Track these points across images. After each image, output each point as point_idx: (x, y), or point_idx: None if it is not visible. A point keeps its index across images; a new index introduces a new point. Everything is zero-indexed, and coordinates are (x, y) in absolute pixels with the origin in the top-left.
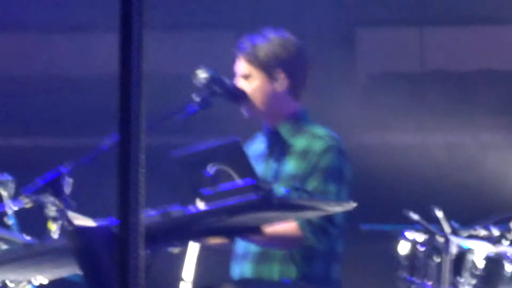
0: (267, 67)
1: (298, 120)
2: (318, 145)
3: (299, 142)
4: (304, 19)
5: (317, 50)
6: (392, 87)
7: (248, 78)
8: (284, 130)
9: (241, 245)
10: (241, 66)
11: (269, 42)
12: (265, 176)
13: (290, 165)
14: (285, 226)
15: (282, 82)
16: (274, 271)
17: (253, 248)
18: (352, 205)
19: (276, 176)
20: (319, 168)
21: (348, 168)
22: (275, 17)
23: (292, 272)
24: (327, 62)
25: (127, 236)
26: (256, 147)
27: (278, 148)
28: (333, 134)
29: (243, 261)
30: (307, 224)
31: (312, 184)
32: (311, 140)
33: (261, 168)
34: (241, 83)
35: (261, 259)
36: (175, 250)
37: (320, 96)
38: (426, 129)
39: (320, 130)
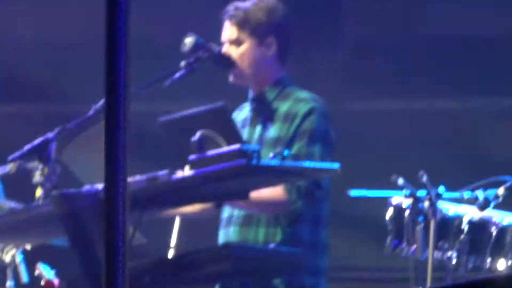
0: (257, 32)
1: (284, 86)
2: (301, 108)
3: (283, 106)
4: None
5: (304, 17)
6: (379, 54)
7: (236, 43)
8: (270, 95)
9: (226, 210)
10: (230, 30)
11: (258, 7)
12: (250, 141)
13: (275, 129)
14: (271, 190)
15: (271, 47)
16: (259, 234)
17: (237, 212)
18: (337, 168)
19: (261, 141)
20: (303, 130)
21: (332, 131)
22: None
23: (277, 235)
24: (314, 29)
25: (113, 202)
26: (242, 113)
27: (263, 113)
28: (317, 97)
29: (228, 225)
30: (293, 188)
31: (297, 147)
32: (294, 103)
33: (246, 133)
34: (228, 49)
35: (246, 222)
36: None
37: (307, 63)
38: (413, 95)
39: (303, 94)
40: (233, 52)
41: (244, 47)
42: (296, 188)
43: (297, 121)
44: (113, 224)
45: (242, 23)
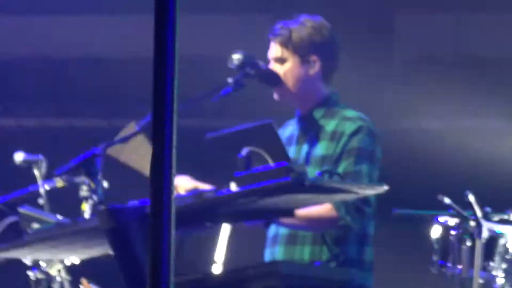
0: (300, 50)
1: (330, 104)
2: (348, 126)
3: (330, 124)
4: (341, 4)
5: (354, 35)
6: (428, 73)
7: (281, 62)
8: (317, 114)
9: (272, 228)
10: (275, 49)
11: (303, 26)
12: (297, 159)
13: (321, 147)
14: (319, 207)
15: (314, 66)
16: (305, 253)
17: (283, 230)
18: (384, 187)
19: (308, 159)
20: (350, 149)
21: (378, 149)
22: (311, 2)
23: (324, 253)
24: (364, 47)
25: (159, 217)
26: (288, 131)
27: (310, 131)
28: (363, 115)
29: (274, 243)
30: (342, 204)
31: (343, 165)
32: (341, 121)
33: (292, 151)
34: (274, 67)
35: (291, 241)
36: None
37: (355, 81)
38: (461, 114)
39: (350, 112)
40: (278, 70)
41: (288, 65)
42: (345, 204)
43: (344, 140)
44: (159, 239)
45: (286, 41)
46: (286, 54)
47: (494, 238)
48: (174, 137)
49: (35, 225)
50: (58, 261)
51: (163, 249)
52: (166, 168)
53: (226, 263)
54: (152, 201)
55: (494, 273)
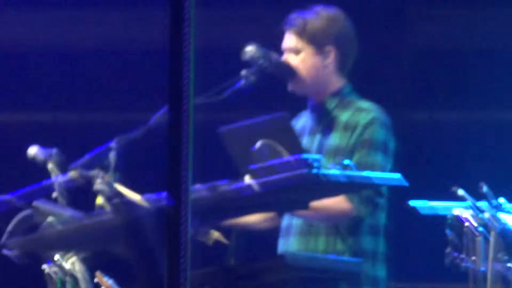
0: (316, 41)
1: (344, 95)
2: (362, 118)
3: (343, 115)
4: None
5: (367, 25)
6: (441, 64)
7: (296, 52)
8: (330, 104)
9: (285, 219)
10: (290, 40)
11: (318, 16)
12: (310, 150)
13: (335, 138)
14: (333, 198)
15: (330, 57)
16: (319, 244)
17: (296, 220)
18: (399, 179)
19: (321, 150)
20: (364, 140)
21: (392, 141)
22: None
23: (338, 244)
24: (376, 37)
25: (177, 211)
26: (300, 123)
27: (324, 122)
28: (377, 106)
29: (288, 234)
30: (355, 195)
31: (357, 156)
32: (355, 112)
33: (305, 142)
34: (288, 58)
35: (305, 231)
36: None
37: (368, 72)
38: (475, 106)
39: (364, 104)
40: (292, 60)
41: (302, 55)
42: (358, 195)
43: (358, 131)
44: (177, 233)
45: (301, 32)
46: (301, 44)
47: (508, 229)
48: (191, 130)
49: (50, 219)
50: (72, 254)
51: (180, 242)
52: (183, 162)
53: (240, 254)
54: (170, 194)
55: (508, 264)
